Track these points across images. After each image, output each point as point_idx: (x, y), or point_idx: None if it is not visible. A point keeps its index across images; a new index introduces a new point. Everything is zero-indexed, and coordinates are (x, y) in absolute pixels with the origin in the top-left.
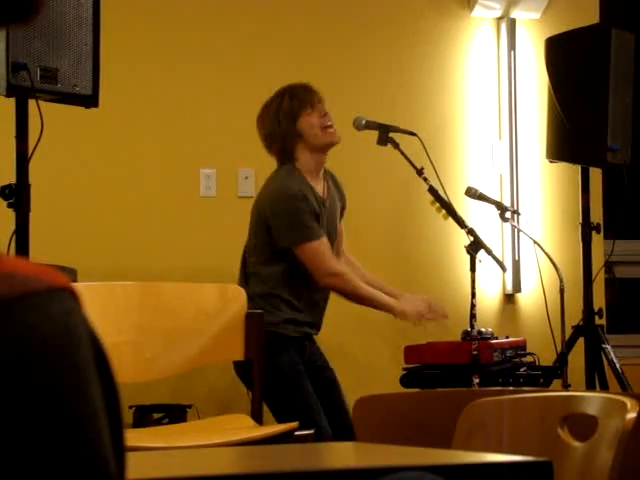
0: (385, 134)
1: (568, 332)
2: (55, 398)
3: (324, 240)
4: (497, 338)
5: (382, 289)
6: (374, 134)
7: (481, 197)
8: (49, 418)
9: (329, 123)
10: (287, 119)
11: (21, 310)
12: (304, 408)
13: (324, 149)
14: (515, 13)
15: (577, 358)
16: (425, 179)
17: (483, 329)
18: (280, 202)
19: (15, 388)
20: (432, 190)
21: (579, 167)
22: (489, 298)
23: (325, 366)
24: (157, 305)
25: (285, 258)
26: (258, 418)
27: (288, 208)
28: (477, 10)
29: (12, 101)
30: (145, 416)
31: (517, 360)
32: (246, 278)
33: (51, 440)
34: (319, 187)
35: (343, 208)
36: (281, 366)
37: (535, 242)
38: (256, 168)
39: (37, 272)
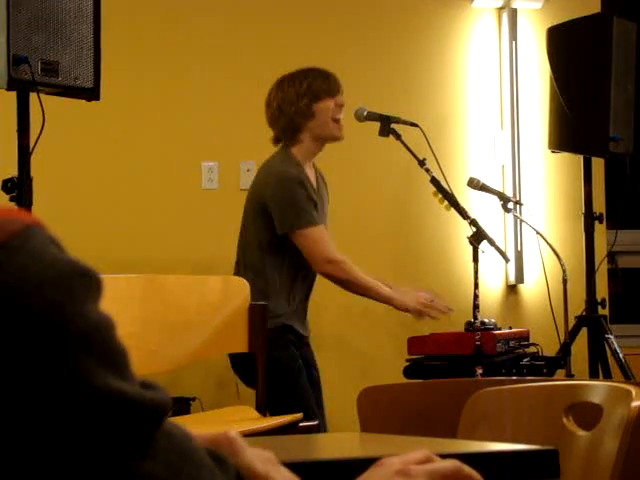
0: (387, 125)
1: (571, 322)
2: (62, 330)
3: (322, 227)
4: (500, 329)
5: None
6: (376, 125)
7: (483, 188)
8: (59, 351)
9: (340, 116)
10: (309, 97)
11: (7, 255)
12: (303, 404)
13: (326, 140)
14: (516, 3)
15: (580, 348)
16: (427, 170)
17: (486, 320)
18: (280, 186)
19: (21, 332)
20: (434, 181)
21: (581, 157)
22: (492, 289)
23: (314, 365)
24: (161, 297)
25: (282, 249)
26: (262, 410)
27: (288, 192)
28: (478, 0)
29: (13, 95)
30: None
31: (520, 351)
32: (244, 270)
33: (60, 371)
34: (312, 176)
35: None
36: (282, 360)
37: (538, 232)
38: (258, 161)
39: (4, 215)
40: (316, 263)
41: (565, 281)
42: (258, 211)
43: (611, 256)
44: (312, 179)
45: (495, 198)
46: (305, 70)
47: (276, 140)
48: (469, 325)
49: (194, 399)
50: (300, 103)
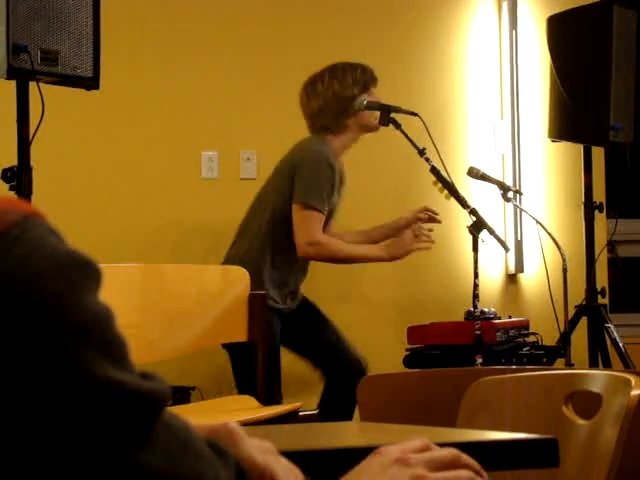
0: (387, 114)
1: (571, 312)
2: (62, 321)
3: (322, 216)
4: (500, 318)
5: (376, 237)
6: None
7: (483, 177)
8: (58, 342)
9: None
10: (361, 86)
11: (6, 245)
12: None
13: (368, 130)
14: None
15: (580, 337)
16: (427, 159)
17: (486, 309)
18: (314, 162)
19: (21, 323)
20: (434, 170)
21: (581, 146)
22: (492, 278)
23: (316, 312)
24: (160, 287)
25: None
26: (263, 399)
27: (318, 170)
28: None
29: (13, 83)
30: None
31: (520, 340)
32: (246, 235)
33: (58, 361)
34: (341, 165)
35: None
36: None
37: (537, 222)
38: (258, 150)
39: (3, 205)
40: (301, 242)
41: (565, 270)
42: (285, 179)
43: (611, 245)
44: (341, 167)
45: (495, 187)
46: (344, 62)
47: (320, 128)
48: (469, 314)
49: (194, 388)
50: (355, 90)
